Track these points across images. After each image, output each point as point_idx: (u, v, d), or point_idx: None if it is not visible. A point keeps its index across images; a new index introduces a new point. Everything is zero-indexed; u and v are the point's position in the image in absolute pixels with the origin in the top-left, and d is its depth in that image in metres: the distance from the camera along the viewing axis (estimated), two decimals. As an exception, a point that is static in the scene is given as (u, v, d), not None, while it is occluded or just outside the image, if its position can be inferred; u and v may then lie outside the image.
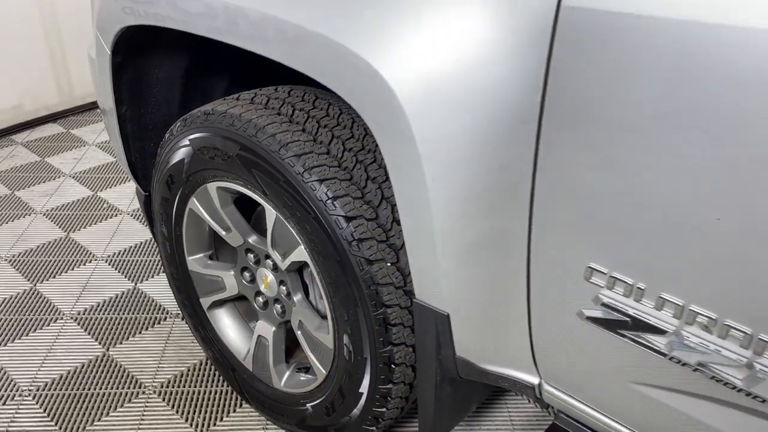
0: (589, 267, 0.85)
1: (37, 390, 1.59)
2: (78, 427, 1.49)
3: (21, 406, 1.54)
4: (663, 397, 0.86)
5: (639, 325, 0.83)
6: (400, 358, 1.15)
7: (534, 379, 1.02)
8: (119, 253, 2.11)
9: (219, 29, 1.10)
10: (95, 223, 2.28)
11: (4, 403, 1.55)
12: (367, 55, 0.88)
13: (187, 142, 1.29)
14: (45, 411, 1.53)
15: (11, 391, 1.59)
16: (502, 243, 0.92)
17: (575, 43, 0.75)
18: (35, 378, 1.62)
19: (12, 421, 1.50)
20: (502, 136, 0.84)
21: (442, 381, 1.10)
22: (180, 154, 1.32)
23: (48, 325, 1.80)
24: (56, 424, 1.50)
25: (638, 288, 0.81)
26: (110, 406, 1.55)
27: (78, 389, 1.59)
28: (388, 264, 1.10)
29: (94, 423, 1.51)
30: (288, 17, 0.97)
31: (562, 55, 0.76)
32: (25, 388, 1.60)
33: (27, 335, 1.76)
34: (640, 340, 0.83)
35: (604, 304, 0.85)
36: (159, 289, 1.94)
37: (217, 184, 1.30)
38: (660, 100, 0.71)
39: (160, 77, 1.49)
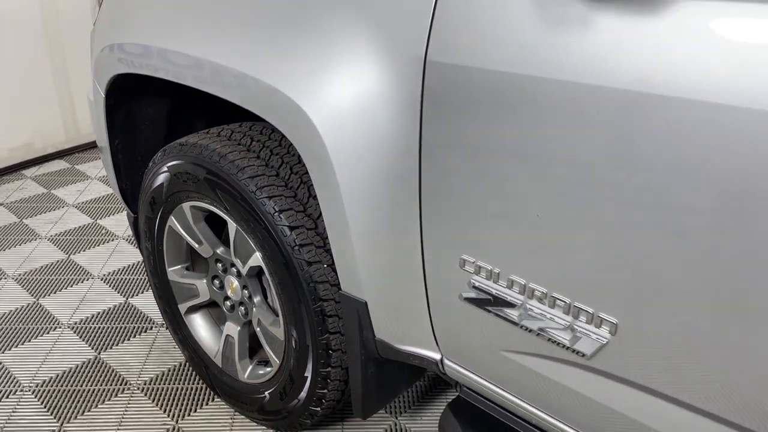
0: (462, 258, 1.09)
1: (36, 386, 1.82)
2: (70, 417, 1.72)
3: (22, 399, 1.78)
4: (525, 362, 1.10)
5: (498, 302, 1.07)
6: (336, 345, 1.39)
7: (437, 356, 1.26)
8: (114, 272, 2.36)
9: (204, 79, 1.36)
10: (94, 247, 2.53)
11: (7, 397, 1.78)
12: (298, 99, 1.15)
13: (166, 169, 1.55)
14: (42, 403, 1.76)
15: (14, 386, 1.82)
16: (403, 243, 1.16)
17: (437, 88, 1.01)
18: (35, 376, 1.86)
19: (14, 412, 1.73)
20: (395, 162, 1.10)
21: (367, 361, 1.34)
22: (160, 179, 1.58)
23: (47, 333, 2.04)
24: (52, 414, 1.73)
25: (495, 272, 1.05)
26: (99, 400, 1.78)
27: (72, 386, 1.82)
28: (325, 265, 1.34)
29: (85, 413, 1.73)
30: (245, 70, 1.24)
31: (430, 97, 1.02)
32: (25, 384, 1.83)
33: (29, 341, 2.00)
34: (500, 314, 1.07)
35: (474, 287, 1.09)
36: (147, 303, 2.18)
37: (190, 204, 1.56)
38: (494, 131, 0.96)
39: (148, 116, 1.76)
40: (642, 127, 0.82)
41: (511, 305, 1.05)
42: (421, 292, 1.19)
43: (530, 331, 1.04)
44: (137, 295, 2.23)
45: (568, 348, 1.00)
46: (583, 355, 0.99)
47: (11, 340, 2.00)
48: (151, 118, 1.77)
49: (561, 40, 0.88)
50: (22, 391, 1.81)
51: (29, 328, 2.07)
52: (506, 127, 0.95)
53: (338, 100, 1.12)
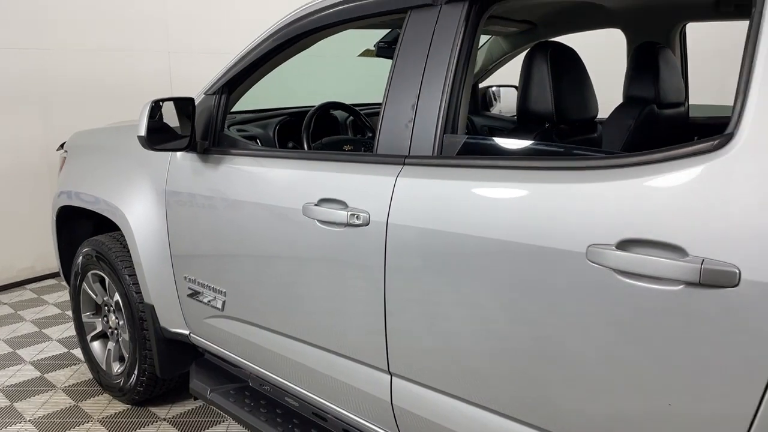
0: (184, 275, 2.42)
1: (11, 382, 3.08)
2: (23, 398, 2.95)
3: (21, 368, 3.03)
4: (212, 322, 2.37)
5: (197, 293, 2.38)
6: (147, 336, 2.66)
7: (186, 332, 2.53)
8: (71, 336, 3.66)
9: (99, 208, 2.79)
10: (64, 323, 3.85)
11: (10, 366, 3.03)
12: (126, 213, 2.56)
13: (81, 254, 2.94)
14: (10, 393, 3.01)
15: (17, 360, 3.08)
16: (165, 272, 2.50)
17: (170, 203, 2.41)
18: (16, 373, 3.12)
19: (15, 374, 2.97)
20: (160, 238, 2.47)
21: (159, 341, 2.61)
22: (79, 260, 2.96)
23: (36, 356, 3.32)
24: (13, 399, 2.97)
25: (193, 279, 2.38)
26: (41, 393, 3.02)
27: (31, 387, 3.07)
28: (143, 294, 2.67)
29: (33, 397, 2.97)
30: (109, 200, 2.67)
31: (168, 208, 2.42)
32: (26, 360, 3.09)
33: (21, 365, 3.27)
34: (197, 299, 2.38)
35: (189, 288, 2.41)
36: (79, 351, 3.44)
37: (91, 272, 2.92)
38: (192, 225, 2.35)
39: (79, 229, 3.18)
40: (243, 212, 2.20)
41: (200, 293, 2.36)
42: (176, 296, 2.51)
43: (205, 303, 2.34)
44: (76, 348, 3.52)
45: (216, 308, 2.30)
46: (221, 309, 2.28)
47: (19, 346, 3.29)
48: (81, 230, 3.18)
49: (198, 179, 2.29)
50: (23, 363, 3.07)
51: (26, 341, 3.35)
52: (196, 222, 2.33)
53: (139, 210, 2.53)
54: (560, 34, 2.84)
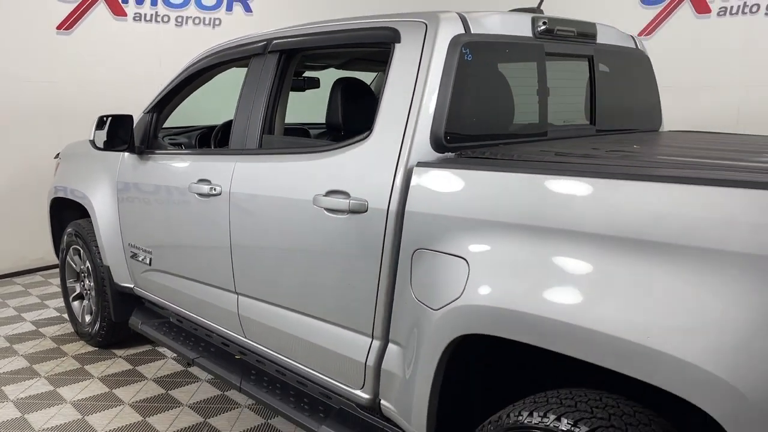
0: (128, 243, 3.37)
1: (11, 338, 4.05)
2: (26, 350, 3.92)
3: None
4: (147, 275, 3.30)
5: (135, 255, 3.32)
6: (106, 291, 3.61)
7: (131, 285, 3.47)
8: (61, 306, 4.64)
9: (80, 199, 3.79)
10: (59, 298, 4.84)
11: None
12: (92, 199, 3.54)
13: (66, 233, 3.93)
14: (25, 358, 3.98)
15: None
16: (116, 242, 3.45)
17: (120, 192, 3.37)
18: (13, 331, 4.09)
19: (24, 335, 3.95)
20: (113, 216, 3.44)
21: (114, 293, 3.55)
22: (65, 237, 3.95)
23: (33, 312, 4.30)
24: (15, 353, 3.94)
25: (133, 244, 3.32)
26: (35, 340, 3.98)
27: (32, 337, 4.04)
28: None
29: (22, 343, 3.93)
30: (83, 191, 3.65)
31: (119, 195, 3.39)
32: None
33: (23, 329, 4.26)
34: (135, 258, 3.32)
35: (131, 252, 3.36)
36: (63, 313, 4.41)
37: (72, 247, 3.90)
38: (133, 209, 3.31)
39: (67, 217, 4.17)
40: (157, 193, 3.16)
41: (137, 254, 3.31)
42: (124, 258, 3.46)
43: (140, 261, 3.28)
44: (64, 313, 4.49)
45: (146, 264, 3.23)
46: (150, 265, 3.21)
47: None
48: (68, 219, 4.17)
49: (134, 172, 3.25)
50: (25, 321, 4.04)
51: (29, 308, 4.33)
52: (133, 202, 3.29)
53: (99, 197, 3.51)
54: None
